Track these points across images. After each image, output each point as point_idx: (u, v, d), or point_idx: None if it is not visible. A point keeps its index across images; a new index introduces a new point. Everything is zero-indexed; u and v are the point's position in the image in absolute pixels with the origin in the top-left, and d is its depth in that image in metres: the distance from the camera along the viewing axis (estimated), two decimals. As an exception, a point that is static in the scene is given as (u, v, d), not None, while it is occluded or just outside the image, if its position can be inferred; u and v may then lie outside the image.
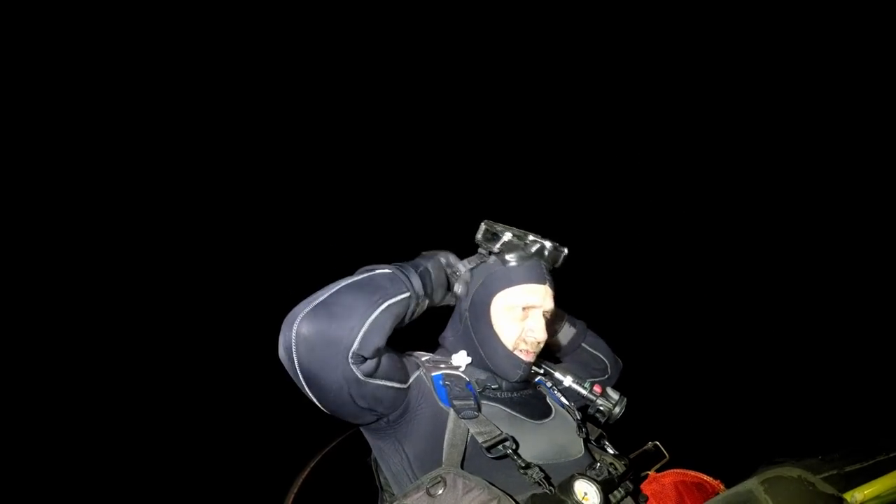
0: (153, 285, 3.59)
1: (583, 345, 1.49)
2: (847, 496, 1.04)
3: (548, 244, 1.23)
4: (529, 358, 1.22)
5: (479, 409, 1.10)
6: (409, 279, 1.04)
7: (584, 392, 1.32)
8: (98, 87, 3.43)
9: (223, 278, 3.73)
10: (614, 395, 1.32)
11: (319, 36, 3.79)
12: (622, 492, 1.05)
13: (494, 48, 4.03)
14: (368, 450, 1.19)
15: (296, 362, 0.92)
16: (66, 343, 3.32)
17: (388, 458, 1.12)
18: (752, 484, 0.99)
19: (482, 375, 1.21)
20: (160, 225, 3.64)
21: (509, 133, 4.22)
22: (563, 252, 1.26)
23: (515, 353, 1.20)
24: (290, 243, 3.86)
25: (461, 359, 1.22)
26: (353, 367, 0.94)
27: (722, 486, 1.24)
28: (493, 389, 1.20)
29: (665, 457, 1.34)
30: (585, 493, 0.93)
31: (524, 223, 1.36)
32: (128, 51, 3.42)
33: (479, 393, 1.16)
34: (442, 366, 1.20)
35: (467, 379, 1.17)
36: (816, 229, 3.86)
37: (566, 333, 1.47)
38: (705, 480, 1.25)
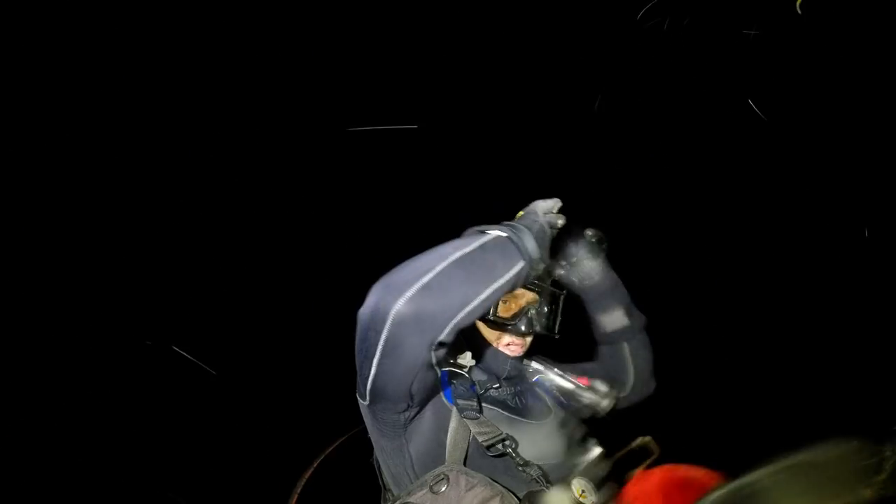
0: (152, 285, 3.60)
1: (624, 343, 1.36)
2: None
3: (537, 322, 1.23)
4: (516, 352, 1.24)
5: (480, 411, 1.11)
6: (524, 243, 0.94)
7: (569, 386, 1.29)
8: (98, 87, 3.43)
9: (222, 278, 3.74)
10: (602, 388, 1.28)
11: (319, 36, 3.80)
12: (609, 491, 1.07)
13: (495, 49, 4.04)
14: (372, 449, 1.20)
15: (384, 335, 0.87)
16: (66, 344, 3.34)
17: (390, 460, 1.13)
18: (757, 476, 0.97)
19: (483, 376, 1.23)
20: (159, 224, 3.65)
21: (511, 132, 4.23)
22: (548, 331, 1.27)
23: (501, 348, 1.23)
24: (289, 242, 3.87)
25: (466, 359, 1.22)
26: (432, 354, 0.91)
27: (717, 480, 1.23)
28: (495, 389, 1.22)
29: (654, 453, 1.31)
30: (583, 491, 0.97)
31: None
32: (128, 51, 3.43)
33: (481, 394, 1.18)
34: (449, 361, 1.20)
35: (471, 380, 1.18)
36: (817, 227, 3.87)
37: (616, 319, 1.34)
38: (696, 478, 1.25)
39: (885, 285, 3.58)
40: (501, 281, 0.92)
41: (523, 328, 1.20)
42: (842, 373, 3.37)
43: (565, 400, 1.29)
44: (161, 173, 3.67)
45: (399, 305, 0.86)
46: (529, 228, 0.98)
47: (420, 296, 0.86)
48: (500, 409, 1.18)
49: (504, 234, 0.95)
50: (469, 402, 1.11)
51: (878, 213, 3.70)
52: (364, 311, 0.89)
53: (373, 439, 1.15)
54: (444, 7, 3.87)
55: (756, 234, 4.05)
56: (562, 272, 1.27)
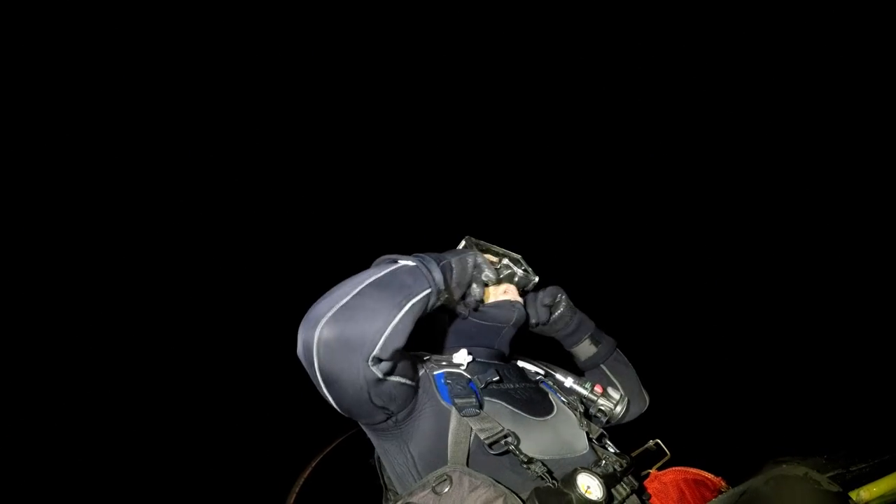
0: (153, 285, 3.58)
1: (602, 366, 1.46)
2: (852, 495, 1.04)
3: (518, 271, 1.33)
4: (516, 296, 1.32)
5: (480, 407, 1.10)
6: (430, 273, 1.03)
7: (584, 392, 1.34)
8: (98, 87, 3.42)
9: (223, 278, 3.72)
10: (615, 395, 1.34)
11: (320, 36, 3.80)
12: (627, 489, 1.05)
13: (496, 48, 4.04)
14: (372, 449, 1.19)
15: (315, 365, 0.93)
16: (67, 343, 3.31)
17: (393, 459, 1.12)
18: (757, 482, 1.00)
19: (483, 371, 1.21)
20: (160, 224, 3.63)
21: (509, 132, 4.22)
22: (532, 280, 1.36)
23: (500, 298, 1.29)
24: (289, 242, 3.86)
25: (462, 357, 1.22)
26: (374, 369, 0.94)
27: (723, 483, 1.25)
28: (496, 383, 1.20)
29: (666, 455, 1.34)
30: (588, 487, 0.93)
31: (520, 226, 1.38)
32: (128, 51, 3.43)
33: (482, 389, 1.16)
34: (443, 363, 1.20)
35: (469, 377, 1.17)
36: (818, 226, 3.85)
37: (585, 349, 1.45)
38: (707, 478, 1.25)
39: (883, 288, 3.56)
40: (418, 297, 0.99)
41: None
42: (839, 382, 3.35)
43: (580, 404, 1.31)
44: (161, 174, 3.67)
45: (319, 332, 0.91)
46: (437, 261, 1.08)
47: (337, 319, 0.92)
48: (504, 403, 1.15)
49: (412, 264, 1.04)
50: (468, 400, 1.10)
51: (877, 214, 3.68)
52: (298, 350, 0.96)
53: (373, 442, 1.15)
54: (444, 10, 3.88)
55: (759, 239, 4.03)
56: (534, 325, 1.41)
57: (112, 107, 3.51)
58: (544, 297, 1.39)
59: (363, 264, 1.10)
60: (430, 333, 1.37)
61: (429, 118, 4.10)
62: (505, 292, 1.31)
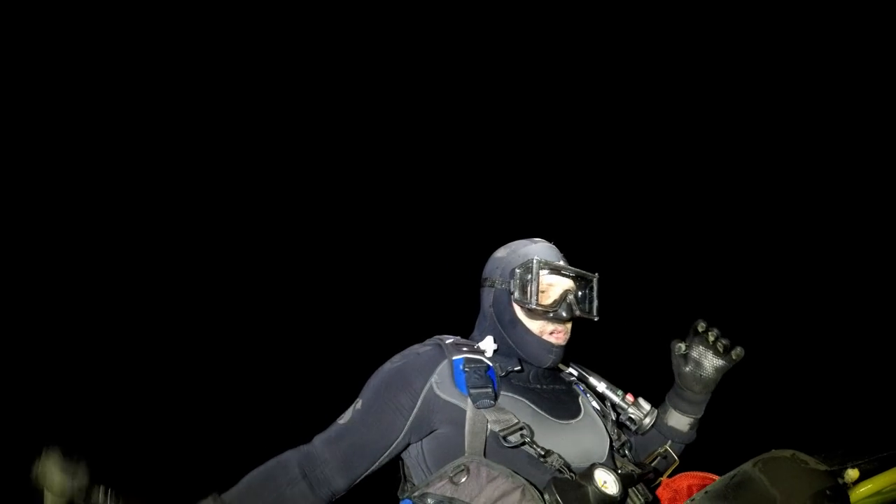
0: (152, 285, 3.60)
1: (669, 441, 1.34)
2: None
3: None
4: (560, 340, 1.22)
5: (495, 399, 1.10)
6: None
7: (616, 399, 1.33)
8: (98, 87, 3.45)
9: (222, 278, 3.74)
10: (646, 406, 1.33)
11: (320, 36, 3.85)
12: (641, 499, 1.06)
13: (497, 50, 4.07)
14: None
15: None
16: (66, 343, 3.34)
17: (404, 454, 1.17)
18: (746, 466, 1.02)
19: (506, 360, 1.21)
20: (159, 224, 3.66)
21: (514, 135, 4.25)
22: (593, 316, 1.28)
23: (544, 337, 1.21)
24: (288, 243, 3.88)
25: (487, 344, 1.22)
26: None
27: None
28: (517, 374, 1.20)
29: (675, 461, 1.33)
30: (605, 482, 0.95)
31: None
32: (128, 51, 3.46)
33: (502, 378, 1.16)
34: (464, 349, 1.18)
35: (489, 364, 1.16)
36: (817, 226, 3.83)
37: (679, 422, 1.34)
38: (715, 480, 1.26)
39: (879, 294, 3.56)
40: None
41: (564, 314, 1.20)
42: (839, 383, 3.33)
43: (609, 410, 1.32)
44: (162, 175, 3.68)
45: None
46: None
47: None
48: (526, 401, 1.16)
49: None
50: (483, 391, 1.09)
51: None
52: None
53: None
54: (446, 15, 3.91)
55: (757, 240, 4.01)
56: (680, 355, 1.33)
57: (112, 106, 3.51)
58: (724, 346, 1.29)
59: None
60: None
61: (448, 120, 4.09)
62: (553, 332, 1.22)
